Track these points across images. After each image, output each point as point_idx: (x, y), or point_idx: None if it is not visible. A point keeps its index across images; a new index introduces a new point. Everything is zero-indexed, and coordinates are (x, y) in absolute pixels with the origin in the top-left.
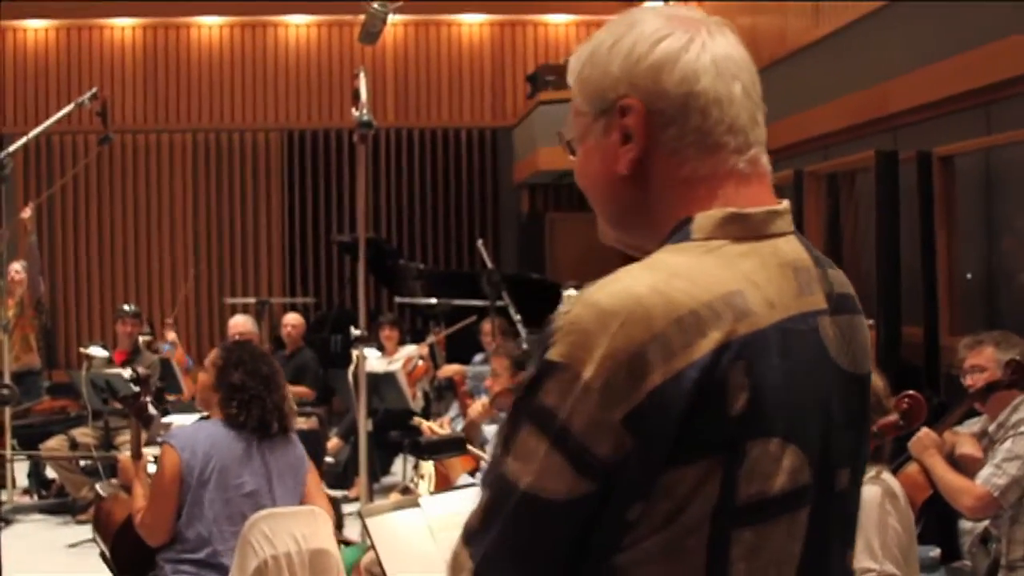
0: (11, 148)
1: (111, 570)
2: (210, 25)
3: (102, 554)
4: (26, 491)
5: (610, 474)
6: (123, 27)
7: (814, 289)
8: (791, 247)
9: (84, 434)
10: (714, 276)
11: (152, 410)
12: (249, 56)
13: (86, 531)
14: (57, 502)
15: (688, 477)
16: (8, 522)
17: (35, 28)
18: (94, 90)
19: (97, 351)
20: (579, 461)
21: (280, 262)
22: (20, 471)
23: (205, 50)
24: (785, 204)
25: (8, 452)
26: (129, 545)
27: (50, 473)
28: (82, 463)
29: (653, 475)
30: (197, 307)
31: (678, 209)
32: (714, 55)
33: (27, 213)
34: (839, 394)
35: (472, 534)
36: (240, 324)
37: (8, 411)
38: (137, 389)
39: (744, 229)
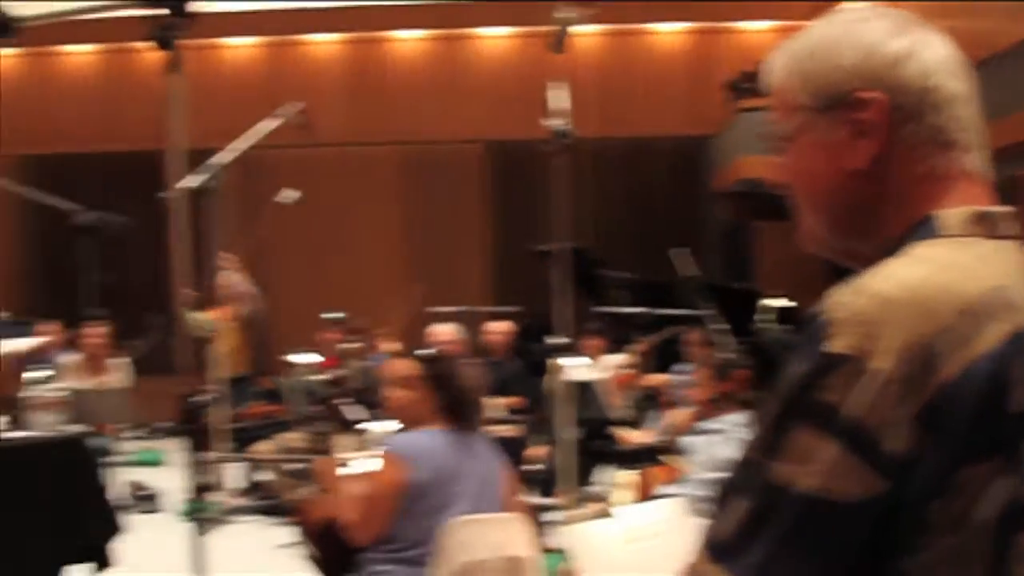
0: (220, 162)
1: (318, 570)
2: (410, 39)
3: (309, 555)
4: (243, 492)
5: (905, 472)
6: (326, 43)
7: None
8: (1021, 251)
9: (294, 438)
10: (979, 270)
11: (353, 415)
12: (449, 68)
13: (296, 533)
14: (269, 504)
15: (979, 475)
16: (222, 523)
17: (239, 45)
18: (299, 105)
19: (300, 358)
20: (873, 458)
21: (484, 271)
22: (234, 473)
23: (406, 63)
24: (1009, 208)
25: (219, 455)
26: (332, 545)
27: (262, 475)
28: (293, 466)
29: (947, 473)
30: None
31: (913, 208)
32: (941, 54)
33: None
34: None
35: (726, 549)
36: (445, 333)
37: (223, 414)
38: (332, 392)
39: (989, 228)
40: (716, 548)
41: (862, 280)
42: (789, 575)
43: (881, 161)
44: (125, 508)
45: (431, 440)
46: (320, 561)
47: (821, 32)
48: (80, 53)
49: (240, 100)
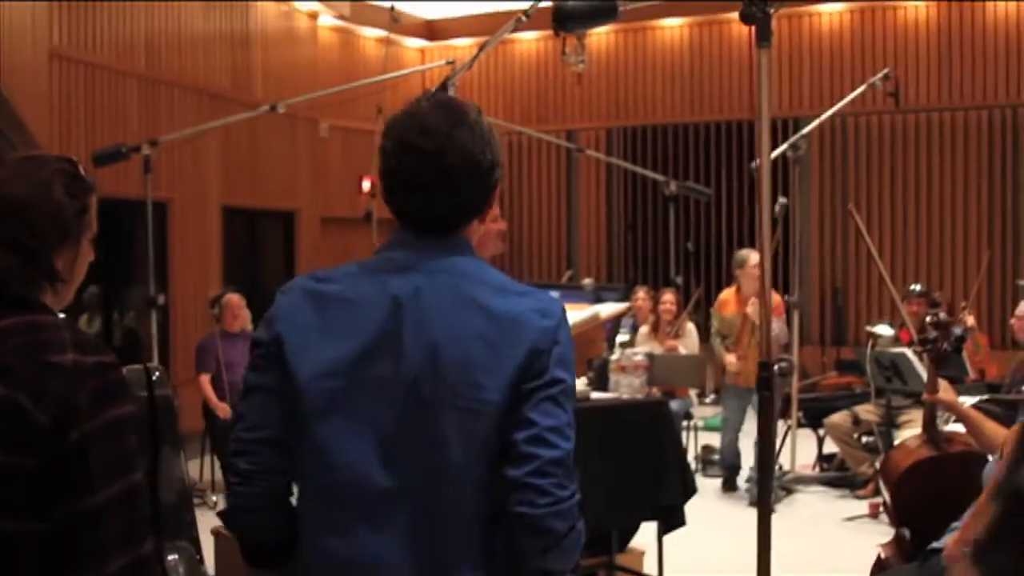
0: (804, 130)
1: (891, 518)
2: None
3: (883, 503)
4: (814, 463)
5: None
6: (916, 6)
7: None
8: None
9: (867, 411)
10: None
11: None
12: None
13: (862, 506)
14: (837, 476)
15: None
16: (790, 491)
17: (829, 12)
18: (886, 71)
19: (883, 329)
20: None
21: None
22: (805, 443)
23: (1001, 25)
24: None
25: (794, 424)
26: (910, 490)
27: (832, 447)
28: (864, 439)
29: None
30: (989, 290)
31: None
32: None
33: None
34: None
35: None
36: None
37: (796, 385)
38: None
39: None
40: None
41: None
42: None
43: None
44: (695, 471)
45: None
46: (893, 507)
47: None
48: (671, 27)
49: (829, 68)
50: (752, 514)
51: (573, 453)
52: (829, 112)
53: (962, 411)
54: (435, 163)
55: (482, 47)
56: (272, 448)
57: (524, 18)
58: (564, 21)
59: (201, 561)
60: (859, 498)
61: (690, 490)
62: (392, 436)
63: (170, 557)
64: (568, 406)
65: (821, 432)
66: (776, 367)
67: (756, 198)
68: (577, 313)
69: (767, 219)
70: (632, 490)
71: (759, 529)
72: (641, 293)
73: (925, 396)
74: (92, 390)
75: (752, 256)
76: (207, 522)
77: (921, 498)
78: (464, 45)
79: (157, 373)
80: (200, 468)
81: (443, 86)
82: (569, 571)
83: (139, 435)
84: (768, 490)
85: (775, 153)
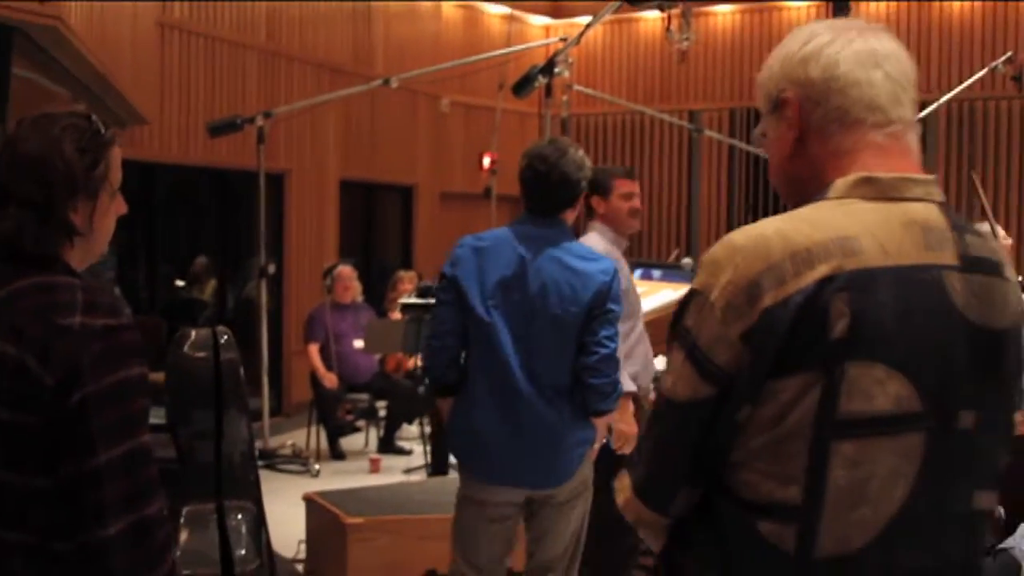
0: (922, 113)
1: None
2: None
3: None
4: None
5: (727, 381)
6: None
7: (944, 247)
8: (926, 211)
9: None
10: (834, 223)
11: None
12: None
13: None
14: None
15: (790, 387)
16: None
17: (960, 2)
18: (1009, 54)
19: None
20: (703, 369)
21: None
22: None
23: None
24: (929, 177)
25: None
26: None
27: None
28: None
29: (760, 383)
30: None
31: (825, 178)
32: (856, 48)
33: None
34: (965, 342)
35: (631, 456)
36: None
37: None
38: None
39: (874, 190)
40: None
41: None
42: (649, 459)
43: (801, 143)
44: None
45: None
46: None
47: (777, 49)
48: (796, 7)
49: (959, 53)
50: None
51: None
52: (949, 95)
53: None
54: (545, 179)
55: (588, 25)
56: (451, 335)
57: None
58: None
59: (263, 522)
60: None
61: None
62: (522, 334)
63: (237, 516)
64: (617, 325)
65: None
66: None
67: None
68: (665, 295)
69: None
70: None
71: None
72: None
73: None
74: (97, 352)
75: None
76: (304, 487)
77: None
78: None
79: (225, 336)
80: (307, 437)
81: (551, 62)
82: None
83: (147, 397)
84: None
85: None
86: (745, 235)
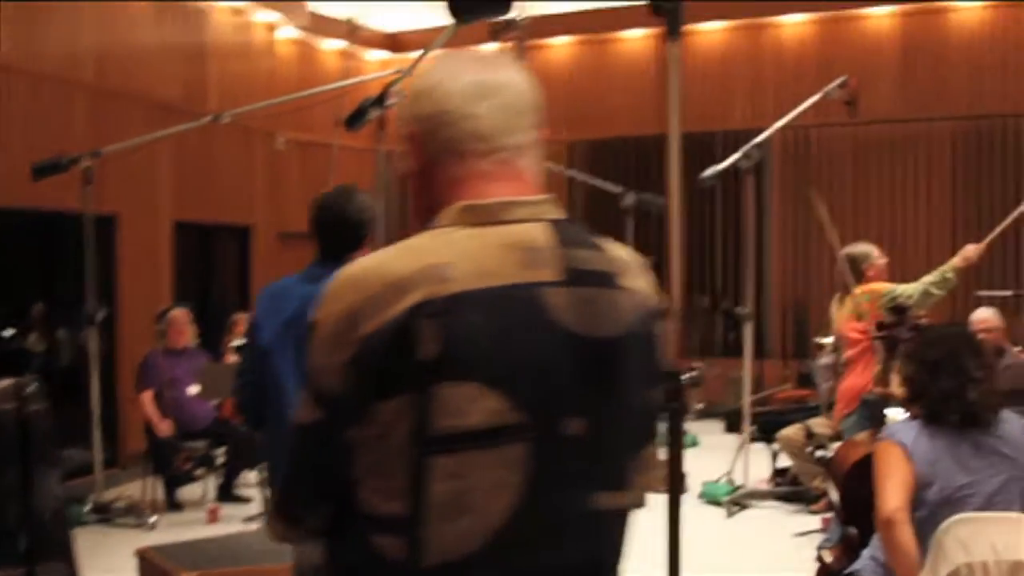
0: (755, 140)
1: (838, 516)
2: (969, 7)
3: (830, 502)
4: (769, 477)
5: (335, 405)
6: (878, 17)
7: (545, 265)
8: (530, 231)
9: (820, 424)
10: (431, 251)
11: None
12: (1012, 40)
13: (815, 521)
14: (791, 490)
15: (389, 408)
16: (743, 506)
17: (791, 23)
18: (842, 79)
19: (828, 340)
20: (316, 394)
21: None
22: (758, 459)
23: (966, 35)
24: (540, 197)
25: (746, 438)
26: (858, 486)
27: (786, 462)
28: (817, 453)
29: (365, 406)
30: (953, 300)
31: (442, 207)
32: (466, 82)
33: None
34: (568, 353)
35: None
36: (983, 319)
37: (747, 398)
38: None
39: (475, 216)
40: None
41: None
42: (289, 487)
43: (423, 175)
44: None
45: (918, 425)
46: (842, 505)
47: None
48: (631, 39)
49: (792, 80)
50: (691, 530)
51: None
52: (782, 121)
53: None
54: (332, 225)
55: (420, 56)
56: (249, 373)
57: (460, 23)
58: (457, 9)
59: None
60: (813, 512)
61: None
62: (304, 369)
63: None
64: None
65: (775, 446)
66: (684, 377)
67: (712, 208)
68: None
69: (677, 229)
70: None
71: (669, 547)
72: None
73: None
74: None
75: None
76: (139, 541)
77: (869, 495)
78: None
79: (31, 387)
80: (143, 489)
81: (383, 95)
82: None
83: None
84: (676, 509)
85: (727, 163)
86: (352, 268)
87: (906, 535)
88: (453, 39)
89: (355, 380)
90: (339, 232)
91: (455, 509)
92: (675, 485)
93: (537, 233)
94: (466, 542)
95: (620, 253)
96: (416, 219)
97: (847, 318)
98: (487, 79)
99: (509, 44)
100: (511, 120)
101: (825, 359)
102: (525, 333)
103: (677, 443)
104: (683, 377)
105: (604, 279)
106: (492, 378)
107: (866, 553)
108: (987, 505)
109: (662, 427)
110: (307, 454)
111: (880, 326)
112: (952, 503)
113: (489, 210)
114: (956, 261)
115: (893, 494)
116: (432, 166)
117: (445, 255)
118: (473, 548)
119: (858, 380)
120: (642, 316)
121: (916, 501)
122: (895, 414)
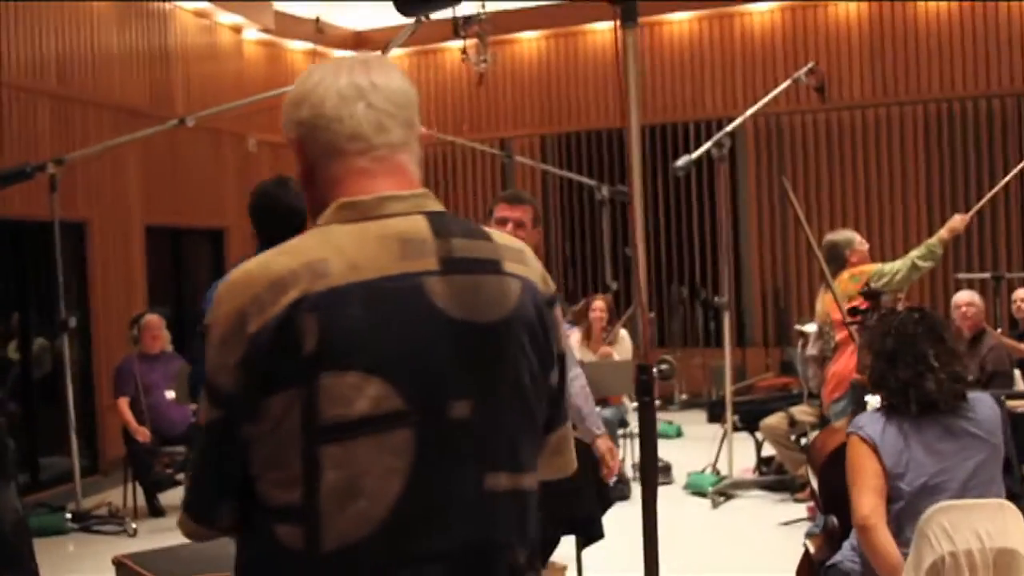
0: (727, 128)
1: (817, 506)
2: None
3: (811, 491)
4: (754, 467)
5: (229, 403)
6: (846, 4)
7: (424, 255)
8: (408, 224)
9: (803, 412)
10: (310, 248)
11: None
12: (980, 21)
13: (801, 510)
14: (776, 479)
15: (278, 402)
16: (729, 496)
17: (760, 11)
18: (810, 65)
19: (811, 327)
20: (212, 395)
21: (1020, 234)
22: (743, 448)
23: (933, 20)
24: (418, 191)
25: (729, 428)
26: (836, 474)
27: (770, 450)
28: (801, 441)
29: (256, 403)
30: (931, 284)
31: (327, 206)
32: (341, 85)
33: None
34: (449, 339)
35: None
36: (967, 300)
37: (729, 387)
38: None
39: (354, 213)
40: None
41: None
42: (196, 485)
43: (309, 177)
44: (631, 480)
45: (885, 414)
46: (820, 492)
47: None
48: (601, 31)
49: (762, 67)
50: (678, 521)
51: None
52: (753, 109)
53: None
54: (272, 211)
55: (384, 51)
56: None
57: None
58: (404, 4)
59: None
60: (798, 501)
61: (605, 504)
62: None
63: None
64: None
65: (759, 435)
66: (656, 369)
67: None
68: None
69: (639, 219)
70: (544, 504)
71: (645, 537)
72: (600, 302)
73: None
74: None
75: None
76: (120, 548)
77: (846, 485)
78: (392, 56)
79: None
80: (123, 495)
81: None
82: None
83: None
84: (652, 500)
85: (699, 152)
86: (238, 270)
87: (882, 538)
88: (416, 36)
89: (246, 378)
90: (274, 218)
91: (348, 495)
92: (649, 476)
93: (416, 225)
94: (361, 527)
95: (507, 241)
96: (311, 219)
97: (835, 302)
98: (361, 81)
99: (472, 40)
100: (386, 119)
101: (811, 349)
102: (404, 321)
103: (651, 435)
104: (654, 369)
105: (487, 266)
106: (372, 366)
107: (847, 544)
108: (964, 490)
109: (633, 420)
110: (209, 453)
111: (852, 312)
112: (928, 491)
113: (367, 205)
114: (943, 233)
115: (865, 498)
116: (315, 168)
117: (323, 251)
118: (367, 532)
119: (847, 364)
120: (529, 300)
121: (892, 493)
122: (874, 401)
